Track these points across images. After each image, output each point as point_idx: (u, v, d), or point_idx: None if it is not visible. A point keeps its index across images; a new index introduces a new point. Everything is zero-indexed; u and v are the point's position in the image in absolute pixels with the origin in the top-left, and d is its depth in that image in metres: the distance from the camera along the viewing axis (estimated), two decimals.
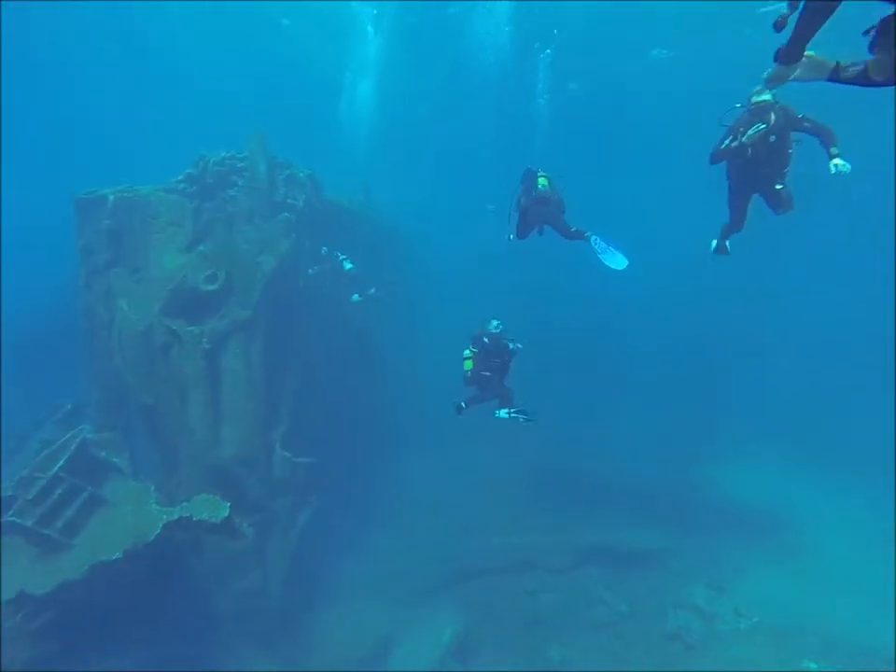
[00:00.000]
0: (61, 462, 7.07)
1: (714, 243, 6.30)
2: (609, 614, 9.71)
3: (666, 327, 20.36)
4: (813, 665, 8.21)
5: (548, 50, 15.41)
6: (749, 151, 5.31)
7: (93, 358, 9.60)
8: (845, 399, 16.32)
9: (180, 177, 9.73)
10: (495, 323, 7.57)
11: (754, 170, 5.46)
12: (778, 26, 2.66)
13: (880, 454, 13.53)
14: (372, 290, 10.83)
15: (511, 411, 7.24)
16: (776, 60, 2.62)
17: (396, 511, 11.53)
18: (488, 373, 7.41)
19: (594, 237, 6.89)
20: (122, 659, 7.11)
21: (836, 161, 5.01)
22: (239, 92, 20.69)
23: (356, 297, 10.65)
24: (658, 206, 23.48)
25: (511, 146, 19.06)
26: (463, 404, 7.57)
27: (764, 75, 2.86)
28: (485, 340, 7.42)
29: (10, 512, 6.58)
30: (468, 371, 7.38)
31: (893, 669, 7.90)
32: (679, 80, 16.51)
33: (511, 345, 7.41)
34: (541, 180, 6.90)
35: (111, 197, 8.90)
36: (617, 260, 6.93)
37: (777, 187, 5.51)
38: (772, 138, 5.23)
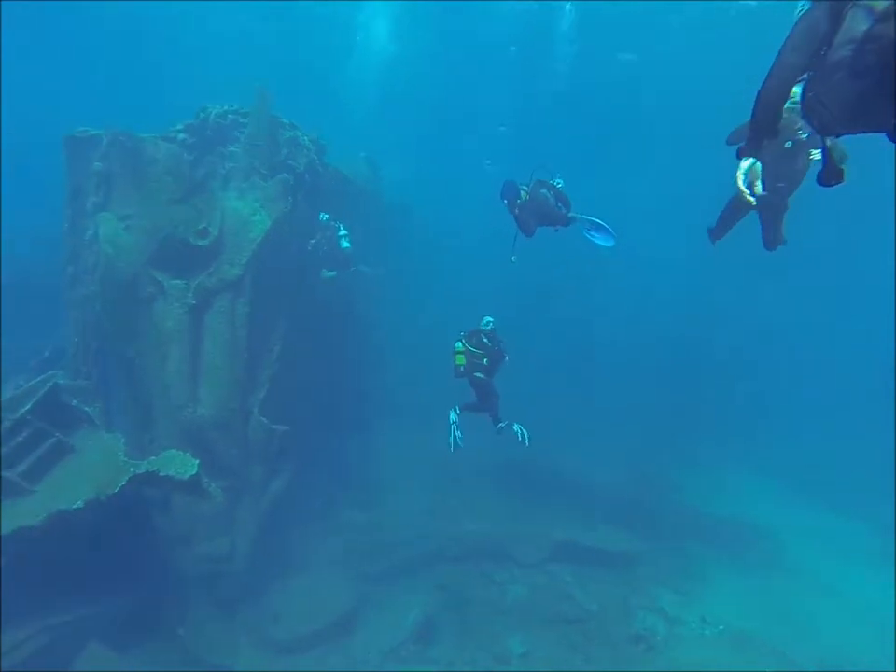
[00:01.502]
0: (28, 405, 6.83)
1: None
2: (576, 611, 9.64)
3: (661, 330, 20.09)
4: None
5: (568, 6, 14.78)
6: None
7: (75, 305, 9.31)
8: (838, 420, 16.25)
9: (179, 127, 9.37)
10: (486, 320, 7.49)
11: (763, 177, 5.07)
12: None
13: (867, 478, 13.53)
14: (360, 268, 10.66)
15: (503, 425, 7.40)
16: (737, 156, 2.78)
17: (372, 486, 11.39)
18: (481, 375, 7.35)
19: (582, 215, 6.73)
20: (71, 612, 6.96)
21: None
22: (247, 39, 19.95)
23: (329, 273, 10.48)
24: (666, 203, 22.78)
25: (527, 119, 18.34)
26: (458, 409, 7.62)
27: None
28: (485, 340, 7.38)
29: None
30: (460, 365, 7.30)
31: (893, 669, 8.01)
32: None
33: (505, 356, 7.50)
34: (522, 194, 6.69)
35: (105, 138, 8.55)
36: (605, 237, 6.79)
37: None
38: (787, 143, 4.61)
